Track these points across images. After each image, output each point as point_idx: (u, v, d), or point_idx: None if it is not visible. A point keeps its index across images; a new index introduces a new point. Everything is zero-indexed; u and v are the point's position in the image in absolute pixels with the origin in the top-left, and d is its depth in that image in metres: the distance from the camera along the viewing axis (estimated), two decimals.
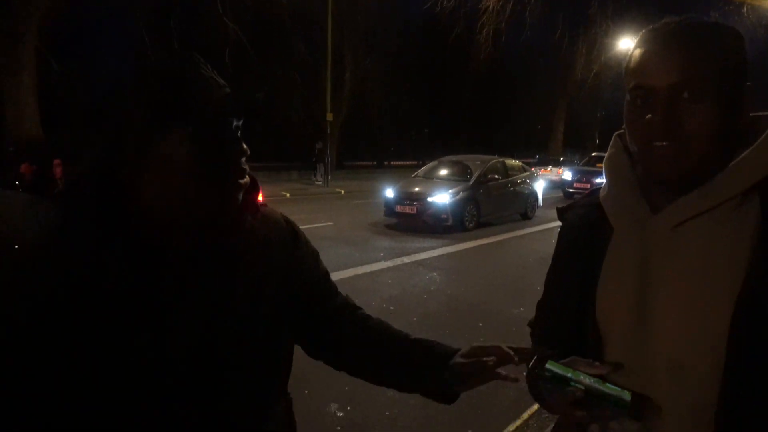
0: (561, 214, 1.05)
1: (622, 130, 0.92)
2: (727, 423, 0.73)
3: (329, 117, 19.62)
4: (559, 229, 1.06)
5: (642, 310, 0.83)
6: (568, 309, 0.94)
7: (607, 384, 0.78)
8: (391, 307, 5.46)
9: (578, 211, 0.99)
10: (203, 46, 21.22)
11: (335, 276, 6.76)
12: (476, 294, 6.09)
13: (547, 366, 0.81)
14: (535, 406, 3.51)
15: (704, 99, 0.76)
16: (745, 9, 14.58)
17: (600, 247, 0.90)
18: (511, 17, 17.78)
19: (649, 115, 0.80)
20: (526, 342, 3.93)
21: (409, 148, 38.14)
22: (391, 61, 26.48)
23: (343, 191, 18.63)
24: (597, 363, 0.83)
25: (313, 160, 20.97)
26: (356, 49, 24.90)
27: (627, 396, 0.76)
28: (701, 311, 0.76)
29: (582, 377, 0.79)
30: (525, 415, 3.41)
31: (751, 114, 0.83)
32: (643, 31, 0.84)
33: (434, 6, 16.06)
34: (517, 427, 3.28)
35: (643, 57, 0.82)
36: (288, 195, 16.76)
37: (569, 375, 0.80)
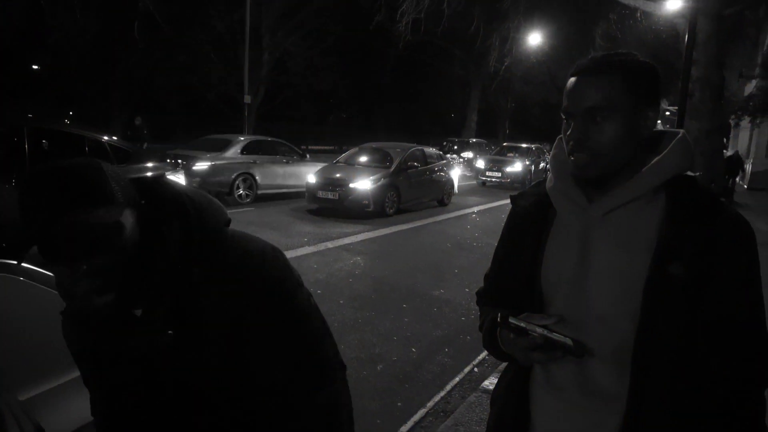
0: (514, 200, 1.28)
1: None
2: (640, 363, 0.99)
3: (247, 99, 19.12)
4: (509, 212, 1.28)
5: (579, 277, 1.07)
6: (517, 277, 1.17)
7: (555, 333, 0.99)
8: (318, 291, 5.60)
9: (529, 198, 1.23)
10: (109, 18, 19.86)
11: None
12: (399, 277, 6.37)
13: (511, 320, 1.02)
14: (457, 379, 3.83)
15: (611, 122, 1.01)
16: (639, 14, 15.90)
17: (546, 226, 1.15)
18: (430, 8, 18.14)
19: (569, 132, 1.05)
20: (444, 320, 4.31)
21: (329, 132, 37.96)
22: (311, 43, 26.10)
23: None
24: (546, 316, 1.06)
25: (128, 133, 15.79)
26: (275, 29, 24.30)
27: (570, 342, 0.98)
28: (623, 277, 1.01)
29: (537, 328, 1.00)
30: (448, 387, 3.71)
31: (657, 129, 1.10)
32: (577, 62, 1.08)
33: None
34: (442, 398, 3.56)
35: (570, 85, 1.06)
36: None
37: (527, 327, 1.01)
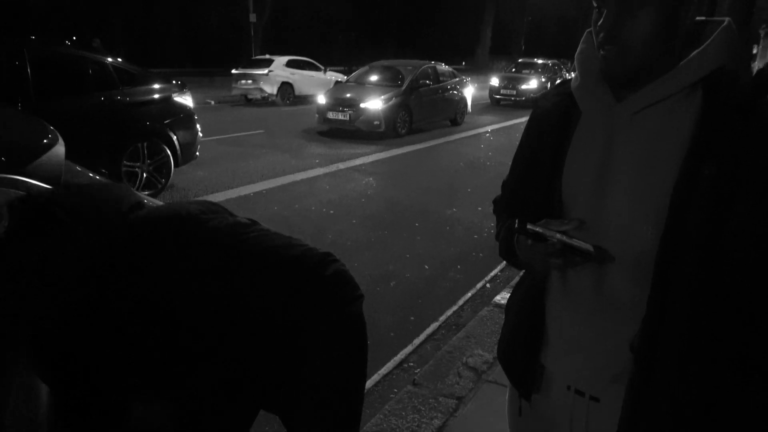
0: (535, 101, 1.20)
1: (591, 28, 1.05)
2: (662, 271, 0.94)
3: (252, 18, 18.42)
4: (530, 115, 1.20)
5: (602, 182, 1.00)
6: (537, 181, 1.11)
7: (574, 239, 0.95)
8: (331, 211, 5.62)
9: (552, 99, 1.14)
10: None
11: (271, 183, 6.79)
12: (411, 197, 6.35)
13: (529, 226, 0.98)
14: (469, 294, 3.89)
15: (648, 11, 0.89)
16: None
17: (569, 129, 1.06)
18: None
19: (600, 22, 0.94)
20: (457, 238, 4.31)
21: (337, 54, 36.84)
22: None
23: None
24: (565, 221, 1.01)
25: None
26: None
27: (591, 248, 0.94)
28: (649, 181, 0.95)
29: (556, 234, 0.96)
30: (460, 302, 3.77)
31: (699, 18, 0.98)
32: None
33: None
34: (454, 312, 3.64)
35: None
36: (213, 103, 16.01)
37: (547, 233, 0.97)
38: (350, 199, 6.15)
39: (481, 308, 3.57)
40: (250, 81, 15.70)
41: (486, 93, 18.14)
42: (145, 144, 5.76)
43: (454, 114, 12.48)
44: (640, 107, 0.96)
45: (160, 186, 5.94)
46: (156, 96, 6.01)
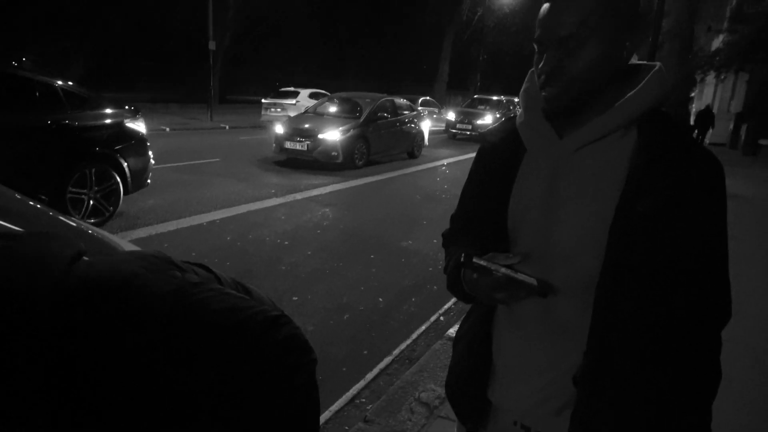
0: (484, 136, 1.23)
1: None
2: (603, 300, 0.98)
3: (211, 45, 18.35)
4: (478, 149, 1.24)
5: (546, 215, 1.04)
6: (484, 215, 1.14)
7: (519, 272, 0.97)
8: (286, 242, 5.55)
9: (498, 134, 1.18)
10: None
11: (225, 212, 6.67)
12: (367, 228, 6.36)
13: (475, 260, 0.99)
14: (423, 327, 3.88)
15: (587, 48, 0.95)
16: None
17: (514, 164, 1.10)
18: None
19: (541, 65, 0.99)
20: (412, 270, 4.29)
21: (299, 78, 36.99)
22: None
23: (227, 126, 17.85)
24: (510, 255, 1.03)
25: None
26: None
27: (534, 282, 0.96)
28: (591, 214, 0.99)
29: (501, 268, 0.98)
30: (414, 335, 3.76)
31: (634, 62, 1.04)
32: None
33: None
34: (408, 345, 3.61)
35: (543, 11, 0.99)
36: (167, 129, 15.72)
37: (491, 266, 0.98)
38: (306, 229, 6.10)
39: (434, 341, 3.57)
40: (279, 109, 18.09)
41: (443, 126, 18.54)
42: (93, 170, 5.57)
43: (411, 147, 12.67)
44: (580, 144, 1.01)
45: (107, 214, 5.73)
46: (107, 121, 5.85)
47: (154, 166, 6.59)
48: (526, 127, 1.09)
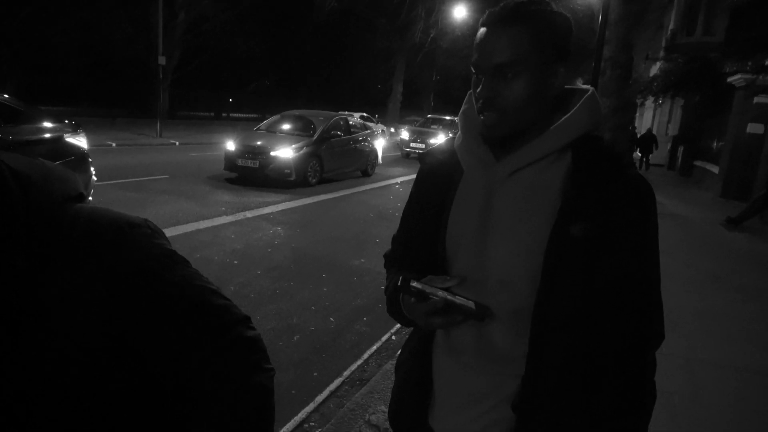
0: (422, 157, 1.23)
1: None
2: (539, 326, 0.98)
3: (161, 60, 17.96)
4: (418, 170, 1.24)
5: (481, 237, 1.04)
6: (423, 238, 1.13)
7: (457, 296, 0.96)
8: (235, 261, 5.41)
9: (437, 156, 1.18)
10: None
11: (172, 231, 6.44)
12: (319, 247, 6.29)
13: (412, 284, 0.97)
14: (374, 348, 3.84)
15: (521, 78, 0.96)
16: None
17: (452, 185, 1.10)
18: None
19: (478, 90, 1.00)
20: (364, 289, 4.25)
21: (250, 99, 36.58)
22: (227, 5, 24.77)
23: (177, 143, 17.41)
24: (448, 278, 1.02)
25: None
26: None
27: (472, 305, 0.95)
28: (525, 238, 0.99)
29: (438, 292, 0.97)
30: (365, 355, 3.71)
31: (568, 87, 1.06)
32: (487, 10, 1.01)
33: None
34: (359, 366, 3.56)
35: (480, 37, 1.00)
36: (114, 145, 15.19)
37: (428, 290, 0.97)
38: (256, 248, 5.98)
39: (386, 361, 3.53)
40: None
41: (397, 145, 18.72)
42: None
43: (365, 165, 12.70)
44: (515, 167, 1.01)
45: None
46: (45, 135, 5.58)
47: (97, 183, 6.33)
48: (463, 150, 1.10)
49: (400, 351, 1.29)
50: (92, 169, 6.06)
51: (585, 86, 1.09)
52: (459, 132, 1.14)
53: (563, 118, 1.01)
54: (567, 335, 0.98)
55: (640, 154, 19.56)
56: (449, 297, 0.96)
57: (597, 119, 1.03)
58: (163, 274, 0.79)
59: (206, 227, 6.65)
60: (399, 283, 0.99)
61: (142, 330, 0.76)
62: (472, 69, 1.02)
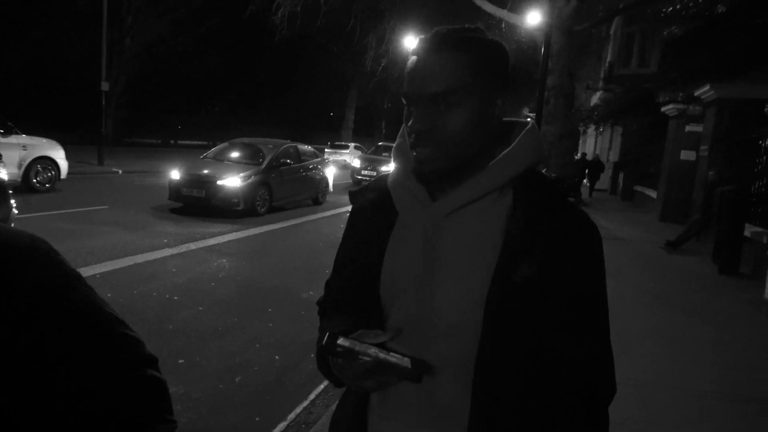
0: (353, 197, 1.13)
1: None
2: (482, 377, 0.89)
3: (104, 86, 17.40)
4: (349, 211, 1.14)
5: (420, 284, 0.95)
6: (356, 285, 1.03)
7: (391, 353, 0.86)
8: (175, 297, 5.15)
9: (368, 194, 1.08)
10: None
11: (108, 265, 6.09)
12: (267, 279, 6.09)
13: (339, 342, 0.87)
14: (321, 387, 3.68)
15: (457, 109, 0.88)
16: (503, 25, 16.97)
17: (387, 227, 1.01)
18: (307, 1, 17.86)
19: (410, 123, 0.92)
20: (312, 323, 4.03)
21: (200, 126, 35.93)
22: (180, 29, 24.43)
23: (120, 171, 16.80)
24: (381, 332, 0.92)
25: None
26: (139, 11, 22.41)
27: (408, 363, 0.85)
28: (468, 284, 0.91)
29: (369, 349, 0.86)
30: (312, 396, 3.55)
31: (507, 119, 1.00)
32: (419, 38, 0.94)
33: None
34: (305, 408, 3.39)
35: (411, 66, 0.92)
36: None
37: (357, 348, 0.86)
38: (199, 282, 5.72)
39: (333, 401, 3.38)
40: None
41: (348, 173, 18.71)
42: None
43: (315, 193, 12.57)
44: (453, 208, 0.94)
45: None
46: None
47: (31, 215, 5.96)
48: (397, 187, 1.01)
49: (336, 404, 1.18)
50: (12, 201, 5.68)
51: (524, 119, 1.02)
52: (392, 168, 1.06)
53: (503, 153, 0.94)
54: (512, 388, 0.89)
55: (587, 181, 20.22)
56: (381, 355, 0.87)
57: (539, 153, 0.96)
58: (69, 296, 0.74)
59: (146, 260, 6.34)
60: (324, 342, 0.89)
61: (41, 356, 0.70)
62: (403, 100, 0.94)
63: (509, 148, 0.94)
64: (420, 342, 0.93)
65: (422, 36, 0.93)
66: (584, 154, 21.00)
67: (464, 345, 0.91)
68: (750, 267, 7.55)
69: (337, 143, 30.27)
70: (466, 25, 0.93)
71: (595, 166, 20.04)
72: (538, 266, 0.87)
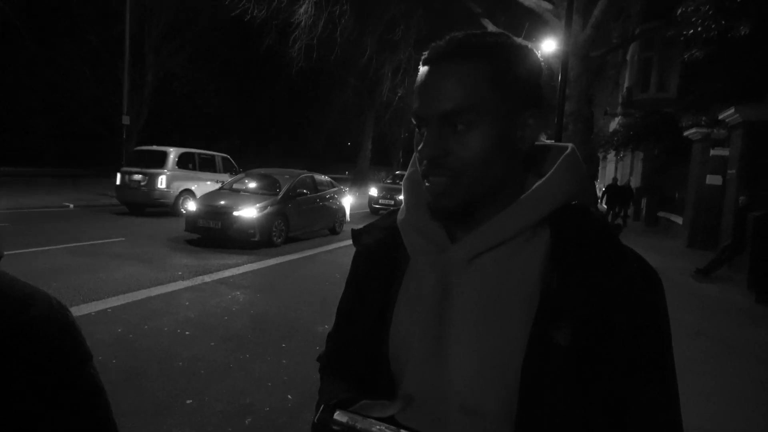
0: (356, 236, 0.95)
1: None
2: None
3: (125, 120, 17.71)
4: (354, 253, 0.96)
5: (438, 346, 0.76)
6: (361, 342, 0.85)
7: (401, 429, 0.69)
8: (187, 332, 4.99)
9: (375, 234, 0.91)
10: None
11: (121, 299, 5.95)
12: (281, 312, 5.90)
13: (335, 417, 0.70)
14: None
15: (477, 130, 0.71)
16: None
17: (397, 274, 0.83)
18: (323, 34, 18.12)
19: (420, 147, 0.74)
20: None
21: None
22: (198, 64, 24.99)
23: None
24: (388, 403, 0.73)
25: None
26: (159, 48, 23.00)
27: None
28: (495, 349, 0.72)
29: (374, 426, 0.69)
30: None
31: (540, 143, 0.81)
32: (431, 45, 0.77)
33: (243, 14, 15.55)
34: None
35: (420, 80, 0.75)
36: (71, 206, 14.64)
37: (359, 426, 0.69)
38: (212, 316, 5.56)
39: None
40: None
41: (366, 201, 18.63)
42: None
43: (332, 223, 12.47)
44: (477, 251, 0.75)
45: None
46: None
47: (47, 248, 5.91)
48: (408, 227, 0.83)
49: None
50: None
51: (563, 144, 0.83)
52: (403, 203, 0.88)
53: (537, 184, 0.76)
54: None
55: (618, 209, 18.50)
56: (389, 431, 0.69)
57: (580, 184, 0.78)
58: (81, 372, 0.69)
59: (159, 294, 6.21)
60: (317, 418, 0.72)
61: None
62: (413, 120, 0.77)
63: (544, 178, 0.76)
64: (433, 419, 0.75)
65: (435, 42, 0.76)
66: (615, 180, 19.90)
67: (486, 424, 0.72)
68: None
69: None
70: (489, 29, 0.77)
71: (625, 193, 18.58)
72: (587, 328, 0.68)
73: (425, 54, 0.77)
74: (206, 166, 14.91)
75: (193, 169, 14.30)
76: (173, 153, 13.82)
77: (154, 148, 14.27)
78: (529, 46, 0.77)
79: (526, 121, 0.75)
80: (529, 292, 0.72)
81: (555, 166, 0.77)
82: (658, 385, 0.72)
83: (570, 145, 0.81)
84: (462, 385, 0.74)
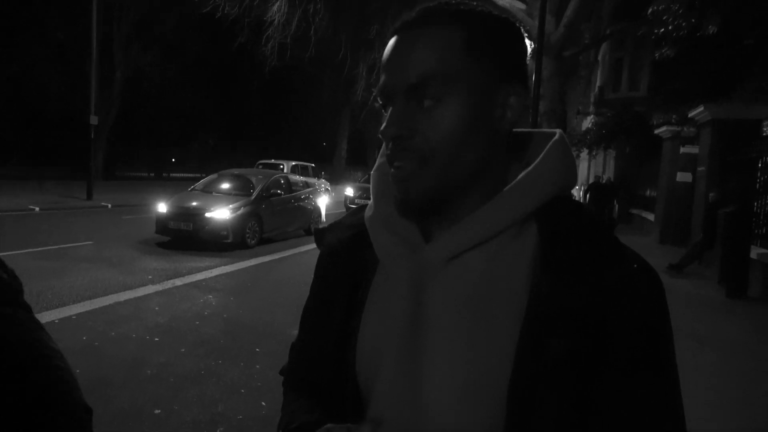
0: (319, 236, 0.84)
1: None
2: None
3: (93, 120, 17.22)
4: (319, 255, 0.85)
5: (410, 361, 0.66)
6: (326, 355, 0.75)
7: None
8: (156, 338, 4.82)
9: (340, 232, 0.80)
10: None
11: (87, 305, 5.74)
12: (255, 315, 5.77)
13: None
14: None
15: (448, 103, 0.63)
16: None
17: (365, 278, 0.74)
18: (297, 32, 17.94)
19: (383, 126, 0.65)
20: None
21: (193, 157, 35.83)
22: (169, 60, 24.50)
23: (110, 205, 16.52)
24: (354, 427, 0.64)
25: None
26: (128, 45, 22.47)
27: None
28: (477, 361, 0.63)
29: None
30: None
31: (522, 130, 0.73)
32: (402, 16, 0.68)
33: (214, 11, 15.26)
34: None
35: (386, 53, 0.66)
36: (37, 209, 14.17)
37: None
38: (182, 321, 5.40)
39: None
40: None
41: (342, 201, 18.52)
42: None
43: (307, 223, 12.33)
44: (456, 251, 0.65)
45: None
46: None
47: (12, 252, 5.67)
48: (376, 224, 0.73)
49: None
50: None
51: (550, 130, 0.74)
52: (371, 199, 0.78)
53: (524, 173, 0.67)
54: None
55: (594, 206, 18.07)
56: None
57: (571, 174, 0.69)
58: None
59: (128, 299, 6.01)
60: None
61: None
62: (378, 99, 0.68)
63: (532, 166, 0.67)
64: None
65: (405, 13, 0.68)
66: (598, 177, 19.45)
67: None
68: (758, 290, 7.30)
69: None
70: None
71: (609, 190, 17.83)
72: (582, 335, 0.60)
73: (394, 25, 0.68)
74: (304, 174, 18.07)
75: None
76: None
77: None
78: (509, 18, 0.68)
79: (507, 99, 0.66)
80: (516, 297, 0.63)
81: (543, 153, 0.68)
82: (664, 392, 0.64)
83: (558, 131, 0.73)
84: (439, 407, 0.65)
